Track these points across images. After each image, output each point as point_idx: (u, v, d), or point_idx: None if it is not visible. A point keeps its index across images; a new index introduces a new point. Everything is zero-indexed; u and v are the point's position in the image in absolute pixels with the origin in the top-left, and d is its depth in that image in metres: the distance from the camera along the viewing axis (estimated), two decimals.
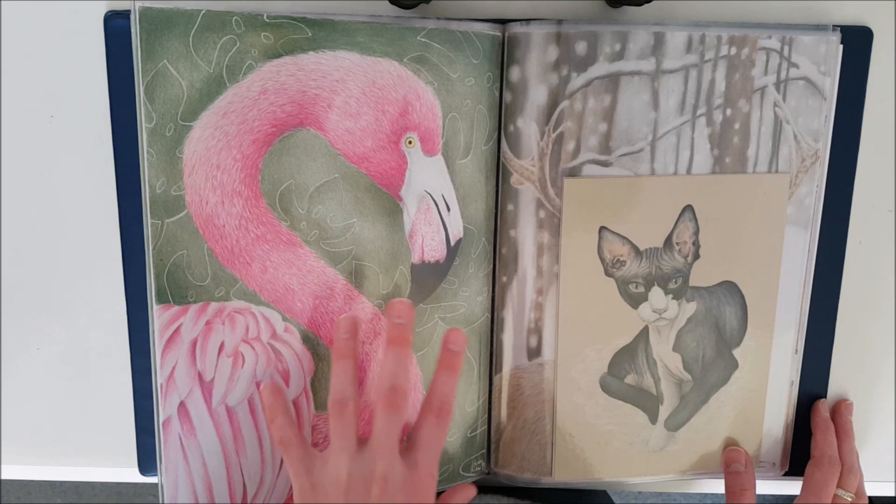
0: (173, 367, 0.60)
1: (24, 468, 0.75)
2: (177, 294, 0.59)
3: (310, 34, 0.58)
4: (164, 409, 0.61)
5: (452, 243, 0.64)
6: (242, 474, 0.63)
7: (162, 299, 0.59)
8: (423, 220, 0.63)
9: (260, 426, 0.62)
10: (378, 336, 0.64)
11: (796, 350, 0.71)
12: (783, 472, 0.74)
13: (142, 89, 0.57)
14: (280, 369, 0.62)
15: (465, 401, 0.68)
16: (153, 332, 0.59)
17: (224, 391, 0.61)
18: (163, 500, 0.62)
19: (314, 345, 0.62)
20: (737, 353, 0.70)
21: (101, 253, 0.69)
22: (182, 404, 0.61)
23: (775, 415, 0.72)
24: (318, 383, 0.63)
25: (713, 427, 0.71)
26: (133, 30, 0.56)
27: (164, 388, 0.60)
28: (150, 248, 0.58)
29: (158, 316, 0.59)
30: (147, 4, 0.55)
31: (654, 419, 0.71)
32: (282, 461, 0.64)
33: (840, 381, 0.74)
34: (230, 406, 0.62)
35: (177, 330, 0.60)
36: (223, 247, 0.60)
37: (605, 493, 0.87)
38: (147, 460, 0.72)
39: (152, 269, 0.59)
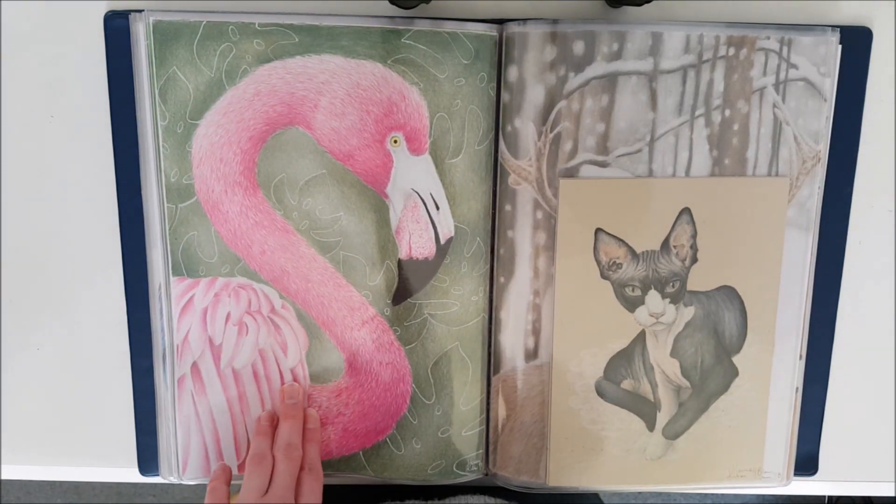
0: (188, 331, 0.68)
1: (24, 468, 0.75)
2: (190, 268, 0.66)
3: (297, 39, 0.62)
4: (179, 367, 0.68)
5: (443, 242, 0.65)
6: (247, 431, 0.69)
7: (177, 272, 0.67)
8: (411, 217, 0.65)
9: (262, 389, 0.69)
10: (365, 324, 0.68)
11: (801, 356, 0.69)
12: (787, 482, 0.72)
13: (156, 91, 0.63)
14: (279, 341, 0.68)
15: (460, 400, 0.69)
16: (169, 301, 0.67)
17: (231, 355, 0.68)
18: (177, 450, 0.70)
19: (307, 322, 0.68)
20: (737, 360, 0.68)
21: (101, 253, 0.69)
22: (195, 364, 0.68)
23: (779, 423, 0.70)
24: (311, 357, 0.69)
25: (714, 437, 0.70)
26: (148, 41, 0.62)
27: (179, 349, 0.68)
28: (168, 228, 0.66)
29: (175, 286, 0.67)
30: (158, 17, 0.62)
31: (651, 426, 0.69)
32: None
33: (840, 381, 0.72)
34: (236, 369, 0.68)
35: (190, 299, 0.67)
36: (227, 230, 0.66)
37: (595, 494, 0.85)
38: (147, 460, 0.72)
39: (169, 246, 0.66)
